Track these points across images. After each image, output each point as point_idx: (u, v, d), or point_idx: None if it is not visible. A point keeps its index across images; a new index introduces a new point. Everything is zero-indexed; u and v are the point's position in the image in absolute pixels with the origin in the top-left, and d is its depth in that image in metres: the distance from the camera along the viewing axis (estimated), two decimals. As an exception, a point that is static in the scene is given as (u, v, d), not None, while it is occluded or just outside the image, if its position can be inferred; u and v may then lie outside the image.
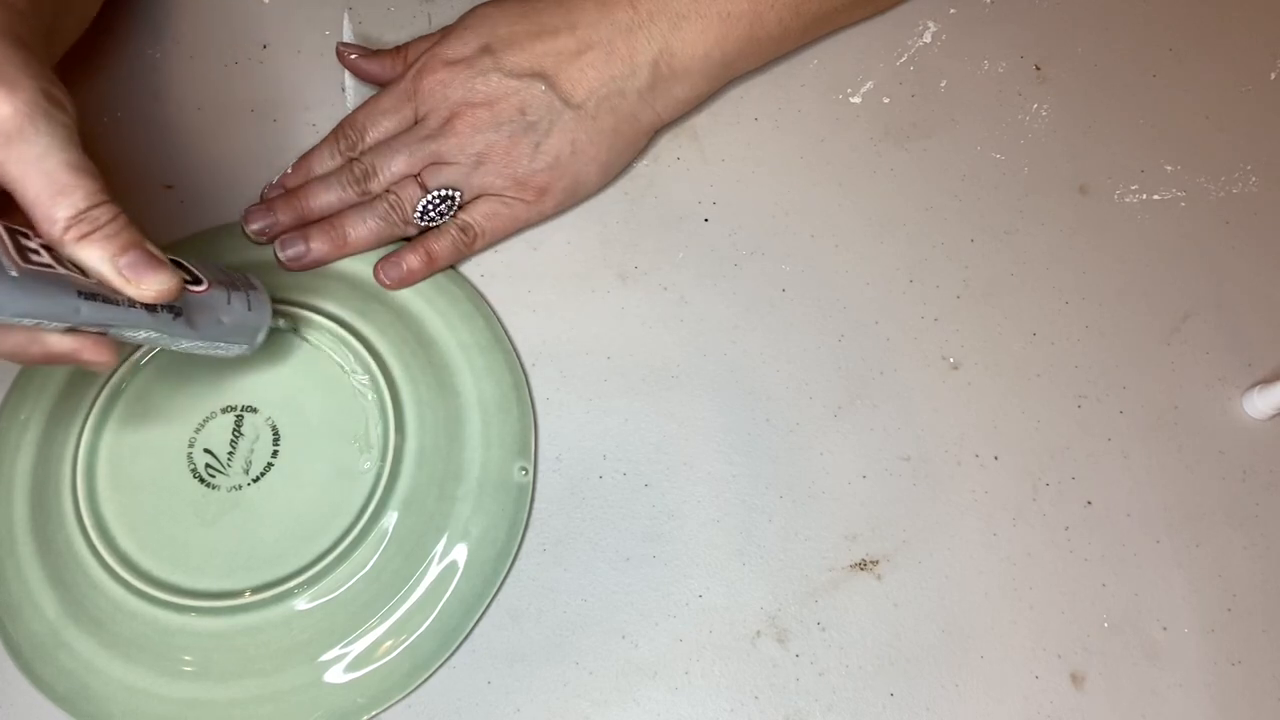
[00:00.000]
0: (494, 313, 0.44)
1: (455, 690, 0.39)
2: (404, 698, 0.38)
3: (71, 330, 0.32)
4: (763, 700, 0.39)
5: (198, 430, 0.40)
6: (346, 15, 0.50)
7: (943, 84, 0.49)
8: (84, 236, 0.31)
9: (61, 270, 0.31)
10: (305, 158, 0.45)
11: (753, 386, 0.43)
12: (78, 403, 0.41)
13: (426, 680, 0.38)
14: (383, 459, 0.39)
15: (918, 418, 0.43)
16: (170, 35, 0.49)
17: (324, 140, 0.45)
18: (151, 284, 0.32)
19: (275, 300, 0.40)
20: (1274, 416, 0.43)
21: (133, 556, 0.38)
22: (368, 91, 0.47)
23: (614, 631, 0.39)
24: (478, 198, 0.44)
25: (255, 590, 0.38)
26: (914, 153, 0.48)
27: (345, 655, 0.38)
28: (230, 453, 0.40)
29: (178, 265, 0.35)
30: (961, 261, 0.46)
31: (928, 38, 0.50)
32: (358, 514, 0.39)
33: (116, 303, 0.32)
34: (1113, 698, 0.39)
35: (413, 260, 0.43)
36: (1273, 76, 0.50)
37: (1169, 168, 0.48)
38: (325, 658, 0.38)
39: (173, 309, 0.34)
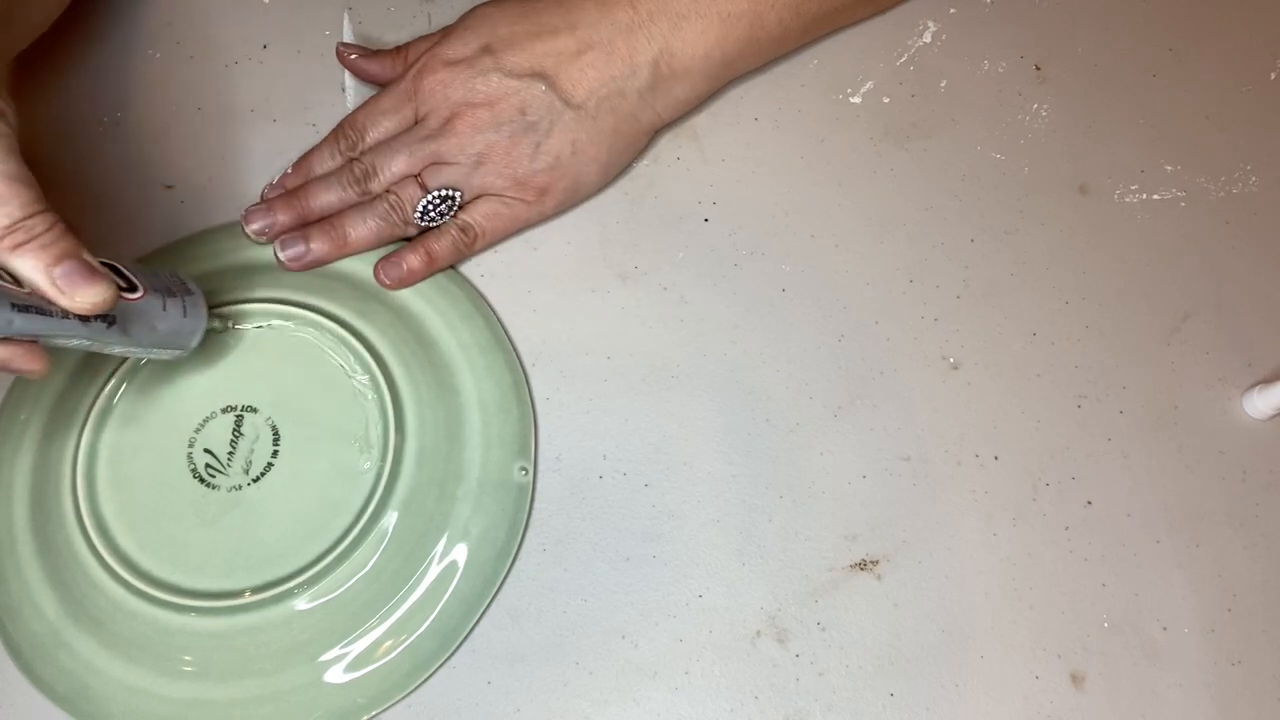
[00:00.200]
0: (494, 313, 0.44)
1: (455, 690, 0.39)
2: (404, 698, 0.38)
3: (3, 340, 0.32)
4: (763, 700, 0.39)
5: (198, 430, 0.40)
6: (346, 15, 0.50)
7: (943, 84, 0.49)
8: (18, 246, 0.31)
9: None
10: (305, 158, 0.45)
11: (753, 386, 0.43)
12: (78, 403, 0.41)
13: (426, 680, 0.38)
14: (383, 459, 0.39)
15: (918, 418, 0.43)
16: (170, 35, 0.49)
17: (324, 140, 0.45)
18: (86, 295, 0.32)
19: (274, 301, 0.40)
20: (1274, 416, 0.43)
21: (133, 556, 0.38)
22: (368, 91, 0.47)
23: (614, 631, 0.39)
24: (478, 198, 0.44)
25: (255, 590, 0.38)
26: (914, 153, 0.48)
27: (345, 655, 0.38)
28: (230, 453, 0.40)
29: (113, 270, 0.34)
30: (961, 261, 0.46)
31: (928, 38, 0.50)
32: (358, 514, 0.39)
33: (50, 314, 0.32)
34: (1113, 698, 0.39)
35: (413, 260, 0.43)
36: (1273, 76, 0.50)
37: (1169, 168, 0.48)
38: (325, 658, 0.38)
39: (106, 318, 0.34)
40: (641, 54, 0.43)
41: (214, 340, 0.39)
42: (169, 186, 0.46)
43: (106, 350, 0.35)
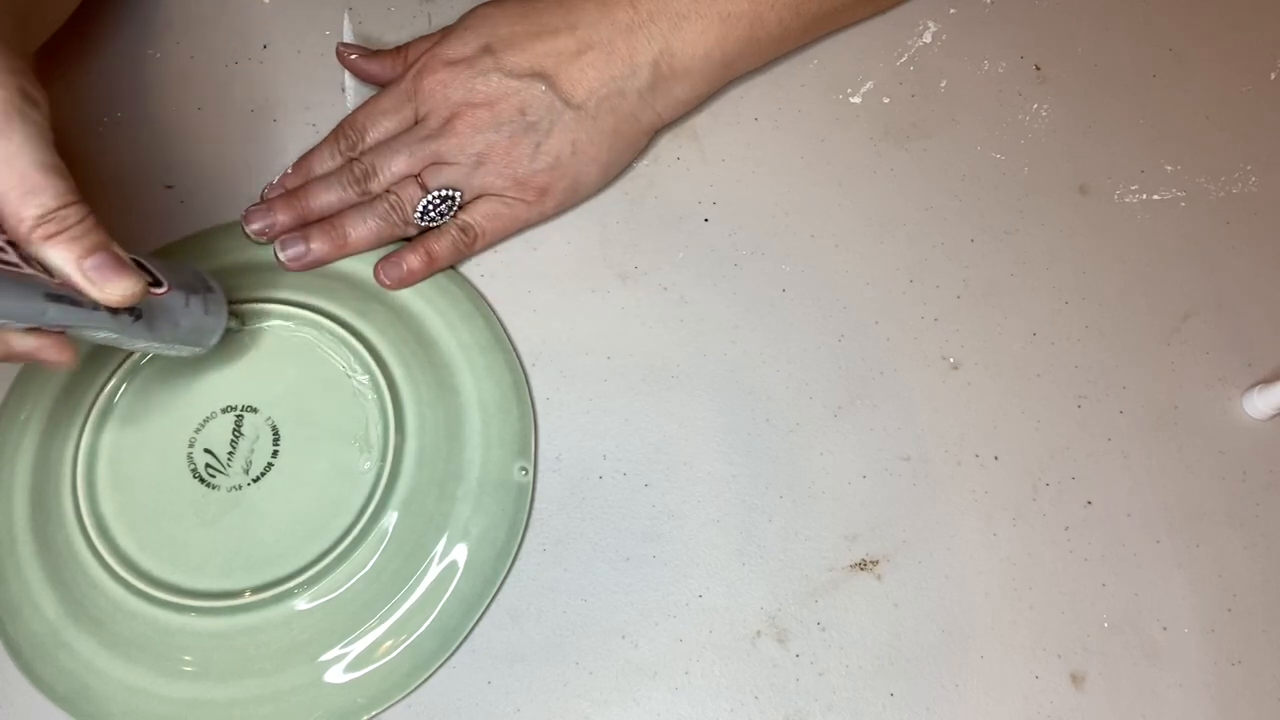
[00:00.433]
0: (494, 313, 0.44)
1: (455, 690, 0.39)
2: (404, 698, 0.38)
3: (33, 330, 0.32)
4: (763, 700, 0.39)
5: (198, 430, 0.40)
6: (346, 15, 0.50)
7: (943, 84, 0.49)
8: (51, 236, 0.31)
9: (28, 271, 0.31)
10: (305, 158, 0.45)
11: (753, 386, 0.43)
12: (78, 403, 0.41)
13: (426, 680, 0.38)
14: (383, 459, 0.39)
15: (918, 418, 0.43)
16: (170, 35, 0.49)
17: (324, 140, 0.45)
18: (116, 288, 0.32)
19: (274, 301, 0.40)
20: (1274, 416, 0.43)
21: (133, 556, 0.38)
22: (368, 92, 0.47)
23: (614, 631, 0.39)
24: (478, 198, 0.44)
25: (255, 590, 0.38)
26: (914, 153, 0.48)
27: (345, 655, 0.38)
28: (230, 453, 0.40)
29: (139, 266, 0.35)
30: (961, 261, 0.46)
31: (928, 38, 0.50)
32: (358, 514, 0.39)
33: (81, 305, 0.32)
34: (1113, 698, 0.39)
35: (413, 260, 0.43)
36: (1273, 76, 0.50)
37: (1169, 168, 0.48)
38: (325, 658, 0.38)
39: (133, 312, 0.34)
40: (641, 54, 0.43)
41: (226, 337, 0.39)
42: (169, 186, 0.46)
43: (131, 345, 0.35)
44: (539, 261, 0.45)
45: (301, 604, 0.38)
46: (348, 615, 0.38)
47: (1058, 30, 0.51)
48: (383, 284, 0.43)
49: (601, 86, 0.43)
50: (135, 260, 0.34)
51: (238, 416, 0.40)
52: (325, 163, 0.45)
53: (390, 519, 0.39)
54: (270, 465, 0.40)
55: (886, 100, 0.49)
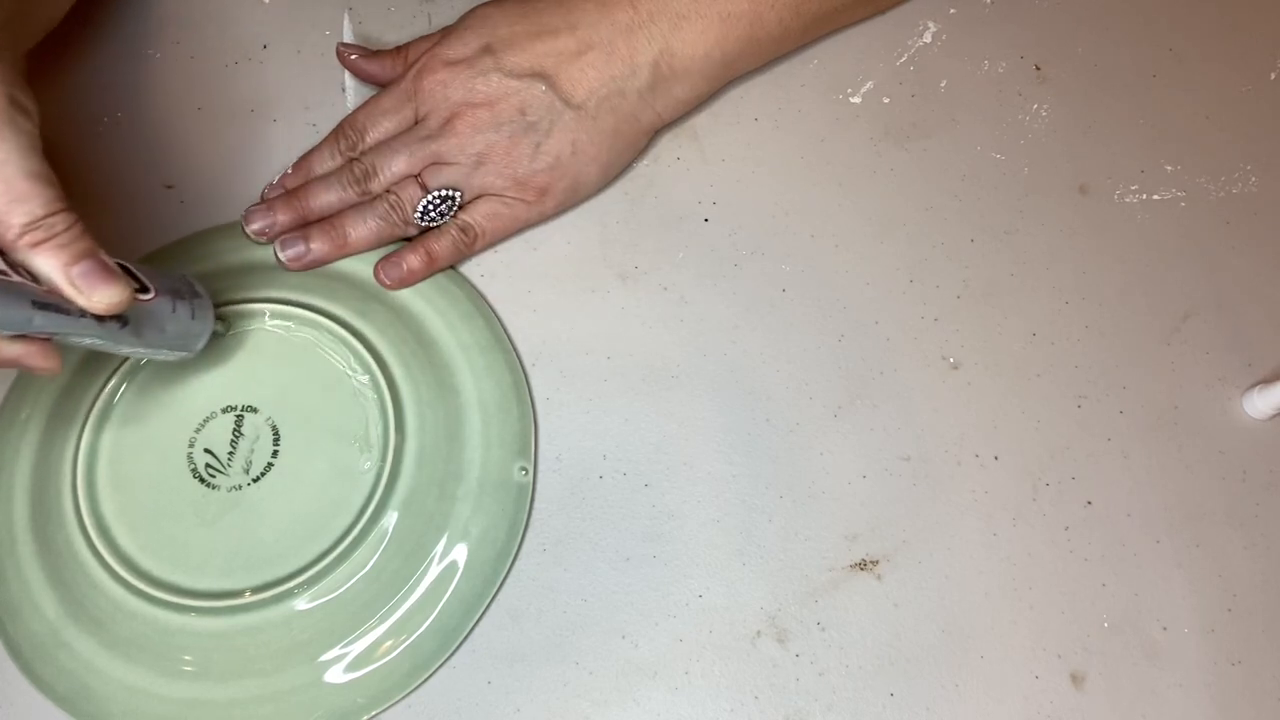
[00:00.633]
0: (494, 313, 0.44)
1: (455, 690, 0.39)
2: (404, 698, 0.38)
3: (19, 337, 0.32)
4: (763, 700, 0.39)
5: (198, 430, 0.40)
6: (346, 15, 0.50)
7: (943, 84, 0.49)
8: (38, 244, 0.31)
9: (16, 278, 0.31)
10: (305, 158, 0.45)
11: (753, 386, 0.43)
12: (78, 403, 0.41)
13: (426, 680, 0.38)
14: (383, 459, 0.39)
15: (918, 418, 0.43)
16: (170, 35, 0.49)
17: (324, 140, 0.45)
18: (103, 295, 0.32)
19: (274, 301, 0.40)
20: (1274, 416, 0.43)
21: (133, 556, 0.38)
22: (368, 92, 0.47)
23: (614, 631, 0.39)
24: (478, 198, 0.44)
25: (255, 590, 0.38)
26: (914, 153, 0.48)
27: (345, 655, 0.38)
28: (230, 453, 0.40)
29: (126, 272, 0.35)
30: (961, 261, 0.46)
31: (928, 38, 0.50)
32: (358, 514, 0.39)
33: (68, 312, 0.32)
34: (1113, 698, 0.39)
35: (413, 260, 0.43)
36: (1273, 76, 0.50)
37: (1169, 168, 0.48)
38: (325, 658, 0.38)
39: (120, 318, 0.34)
40: (642, 54, 0.43)
41: (214, 341, 0.40)
42: (169, 186, 0.46)
43: (117, 350, 0.35)
44: (539, 261, 0.45)
45: (301, 604, 0.38)
46: (348, 615, 0.38)
47: (1058, 30, 0.51)
48: (383, 284, 0.43)
49: (601, 86, 0.43)
50: (122, 266, 0.34)
51: (238, 416, 0.40)
52: (325, 163, 0.45)
53: (390, 519, 0.39)
54: (270, 465, 0.40)
55: (886, 100, 0.49)
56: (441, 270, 0.44)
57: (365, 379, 0.41)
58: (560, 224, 0.46)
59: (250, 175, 0.46)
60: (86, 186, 0.46)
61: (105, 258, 0.33)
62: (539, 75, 0.42)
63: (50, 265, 0.31)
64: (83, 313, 0.33)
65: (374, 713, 0.38)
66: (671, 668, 0.39)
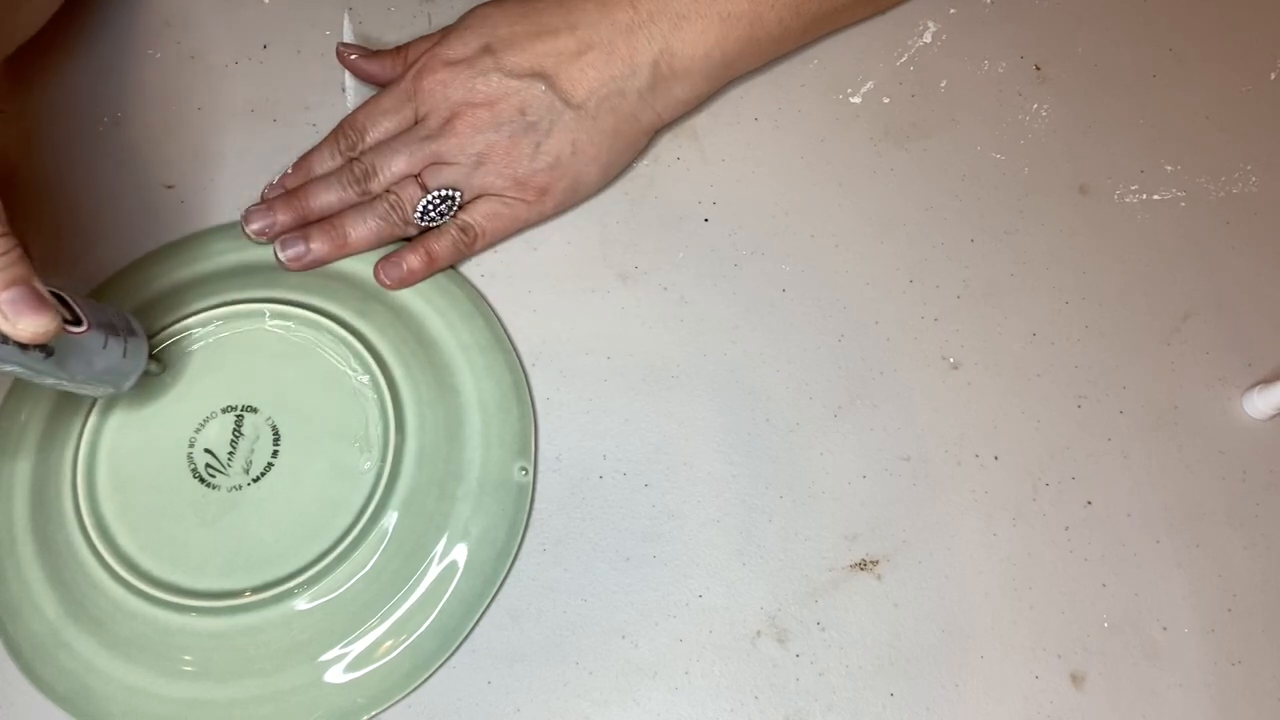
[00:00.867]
0: (494, 313, 0.44)
1: (455, 690, 0.39)
2: (404, 698, 0.38)
3: None
4: (763, 700, 0.39)
5: (198, 430, 0.40)
6: (346, 15, 0.50)
7: (943, 84, 0.49)
8: None
9: None
10: (305, 158, 0.45)
11: (753, 386, 0.43)
12: (78, 403, 0.41)
13: (426, 680, 0.38)
14: (383, 459, 0.39)
15: (918, 418, 0.43)
16: (170, 35, 0.49)
17: (324, 140, 0.45)
18: (29, 324, 0.31)
19: (274, 301, 0.40)
20: (1274, 416, 0.43)
21: (133, 556, 0.38)
22: (368, 91, 0.47)
23: (614, 631, 0.39)
24: (478, 198, 0.44)
25: (255, 590, 0.38)
26: (914, 153, 0.48)
27: (345, 655, 0.38)
28: (230, 453, 0.40)
29: (61, 302, 0.34)
30: (961, 261, 0.46)
31: (928, 38, 0.50)
32: (358, 514, 0.39)
33: None
34: (1113, 698, 0.39)
35: (413, 260, 0.43)
36: (1273, 76, 0.50)
37: (1169, 168, 0.48)
38: (325, 658, 0.38)
39: (45, 348, 0.33)
40: (641, 54, 0.43)
41: (214, 341, 0.39)
42: (169, 186, 0.46)
43: (40, 381, 0.34)
44: (539, 261, 0.45)
45: (301, 604, 0.38)
46: (348, 615, 0.38)
47: (1058, 30, 0.51)
48: (383, 284, 0.43)
49: (601, 86, 0.43)
50: (58, 296, 0.34)
51: (238, 416, 0.40)
52: (325, 163, 0.45)
53: (390, 519, 0.39)
54: (270, 465, 0.40)
55: (886, 100, 0.49)
56: (441, 270, 0.44)
57: (365, 379, 0.41)
58: (560, 224, 0.46)
59: (250, 175, 0.46)
60: (86, 186, 0.46)
61: (39, 286, 0.31)
62: (539, 75, 0.42)
63: None
64: (4, 339, 0.32)
65: (374, 713, 0.38)
66: (671, 668, 0.39)
